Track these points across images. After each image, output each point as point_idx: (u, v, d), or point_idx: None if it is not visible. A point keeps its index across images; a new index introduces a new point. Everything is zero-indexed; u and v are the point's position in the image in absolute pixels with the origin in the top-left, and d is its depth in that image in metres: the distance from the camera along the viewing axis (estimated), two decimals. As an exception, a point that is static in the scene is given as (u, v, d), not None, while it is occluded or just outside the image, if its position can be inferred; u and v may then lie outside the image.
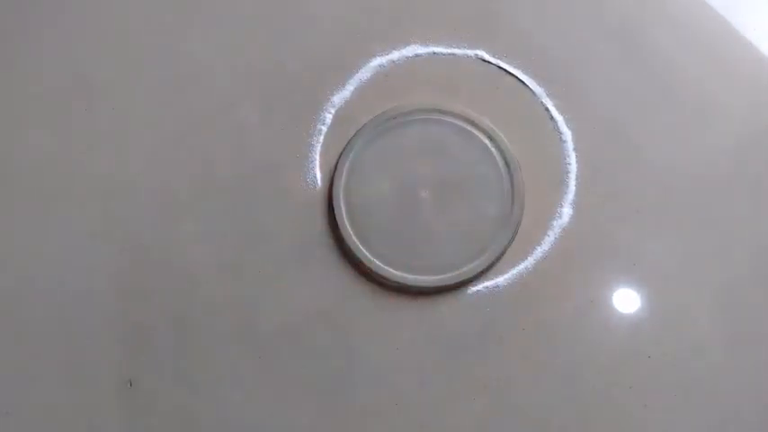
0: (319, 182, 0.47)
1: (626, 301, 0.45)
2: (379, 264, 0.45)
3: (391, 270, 0.45)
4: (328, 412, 0.44)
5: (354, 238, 0.45)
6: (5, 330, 0.46)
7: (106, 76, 0.50)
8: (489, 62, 0.49)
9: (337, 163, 0.47)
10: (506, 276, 0.45)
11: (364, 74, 0.49)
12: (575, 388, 0.44)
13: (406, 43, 0.49)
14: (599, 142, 0.47)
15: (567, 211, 0.46)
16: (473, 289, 0.45)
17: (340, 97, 0.49)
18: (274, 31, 0.51)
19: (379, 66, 0.49)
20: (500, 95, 0.48)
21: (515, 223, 0.45)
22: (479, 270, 0.45)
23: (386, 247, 0.45)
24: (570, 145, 0.47)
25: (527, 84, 0.48)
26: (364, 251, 0.45)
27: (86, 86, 0.50)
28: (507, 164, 0.46)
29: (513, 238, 0.45)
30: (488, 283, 0.45)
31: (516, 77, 0.49)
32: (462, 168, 0.47)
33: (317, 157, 0.48)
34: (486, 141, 0.47)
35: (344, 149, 0.47)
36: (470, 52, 0.49)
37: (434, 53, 0.49)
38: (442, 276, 0.45)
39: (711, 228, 0.46)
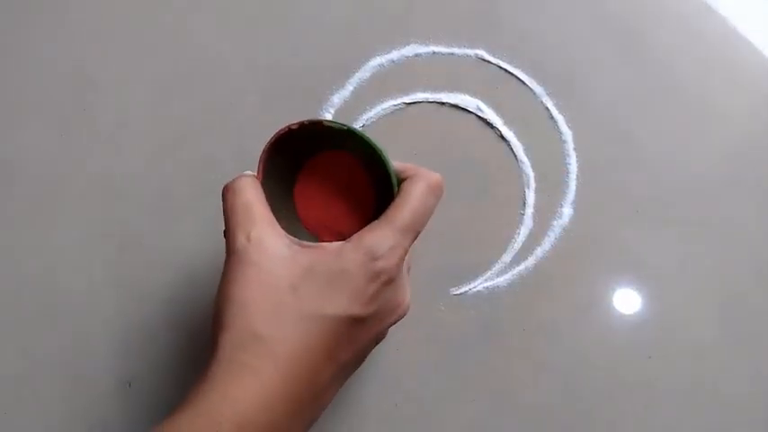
0: (319, 182, 0.47)
1: (626, 301, 0.45)
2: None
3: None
4: (328, 412, 0.44)
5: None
6: (5, 330, 0.46)
7: (106, 76, 0.50)
8: (489, 62, 0.49)
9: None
10: (506, 276, 0.45)
11: (364, 74, 0.49)
12: (575, 388, 0.44)
13: (406, 43, 0.50)
14: (599, 142, 0.47)
15: (567, 211, 0.46)
16: (473, 289, 0.45)
17: (340, 97, 0.49)
18: (275, 30, 0.51)
19: (379, 66, 0.49)
20: (500, 95, 0.48)
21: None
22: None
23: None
24: (570, 145, 0.47)
25: (527, 83, 0.48)
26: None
27: (86, 86, 0.50)
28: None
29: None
30: (488, 284, 0.45)
31: (516, 77, 0.49)
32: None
33: (317, 156, 0.48)
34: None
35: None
36: (470, 52, 0.49)
37: (434, 53, 0.49)
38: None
39: (711, 228, 0.46)
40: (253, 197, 0.32)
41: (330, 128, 0.33)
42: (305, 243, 0.32)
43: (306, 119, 0.33)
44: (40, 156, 0.49)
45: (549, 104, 0.48)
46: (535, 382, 0.44)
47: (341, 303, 0.30)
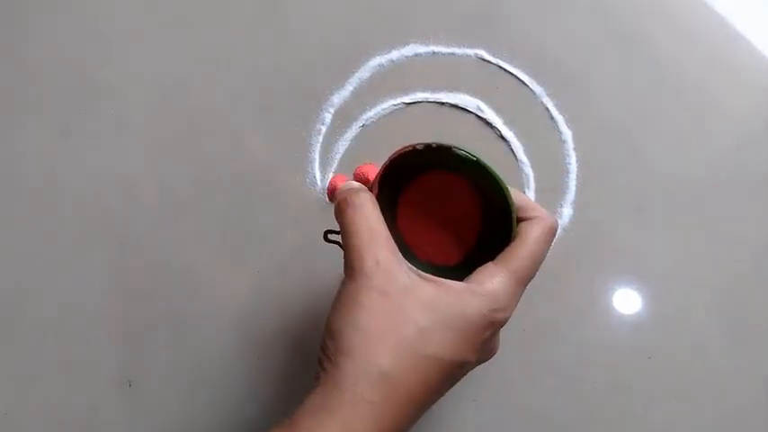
0: (319, 182, 0.47)
1: (626, 301, 0.45)
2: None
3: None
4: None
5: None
6: (6, 330, 0.46)
7: (106, 76, 0.50)
8: (489, 62, 0.49)
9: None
10: (506, 276, 0.45)
11: (364, 73, 0.49)
12: (575, 388, 0.44)
13: (406, 43, 0.50)
14: (599, 142, 0.47)
15: (567, 212, 0.46)
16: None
17: (340, 97, 0.49)
18: (274, 31, 0.51)
19: (379, 65, 0.49)
20: (500, 95, 0.48)
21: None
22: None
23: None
24: (570, 145, 0.47)
25: (527, 83, 0.48)
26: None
27: (86, 86, 0.50)
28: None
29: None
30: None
31: (516, 77, 0.49)
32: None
33: (317, 157, 0.48)
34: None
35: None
36: (470, 52, 0.49)
37: (434, 53, 0.49)
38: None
39: (711, 228, 0.46)
40: (375, 216, 0.32)
41: (456, 155, 0.32)
42: (423, 274, 0.31)
43: (433, 141, 0.32)
44: (40, 156, 0.49)
45: (549, 104, 0.48)
46: (535, 382, 0.44)
47: (458, 349, 0.30)
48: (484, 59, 0.49)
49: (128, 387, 0.45)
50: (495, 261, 0.32)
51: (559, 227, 0.46)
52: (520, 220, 0.33)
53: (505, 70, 0.48)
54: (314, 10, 0.51)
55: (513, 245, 0.32)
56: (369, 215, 0.32)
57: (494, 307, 0.30)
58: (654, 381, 0.43)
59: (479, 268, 0.32)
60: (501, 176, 0.32)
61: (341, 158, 0.47)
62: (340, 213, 0.32)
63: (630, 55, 0.49)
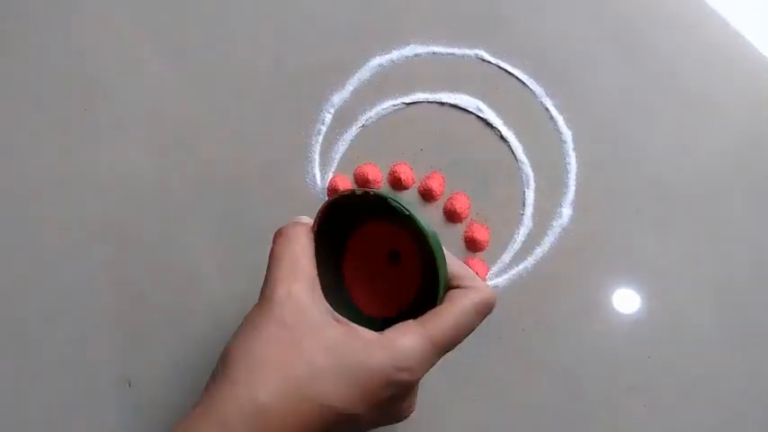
0: (319, 182, 0.47)
1: (626, 301, 0.45)
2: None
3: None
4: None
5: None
6: (6, 330, 0.46)
7: (106, 76, 0.50)
8: (489, 62, 0.49)
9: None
10: (506, 276, 0.45)
11: (364, 73, 0.49)
12: (575, 388, 0.44)
13: (406, 43, 0.50)
14: (599, 142, 0.47)
15: (566, 212, 0.46)
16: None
17: (340, 97, 0.49)
18: (274, 31, 0.51)
19: (379, 66, 0.49)
20: (500, 95, 0.48)
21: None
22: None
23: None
24: (570, 145, 0.47)
25: (527, 84, 0.48)
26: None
27: (86, 86, 0.50)
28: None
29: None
30: (488, 284, 0.45)
31: (516, 77, 0.49)
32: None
33: (317, 157, 0.48)
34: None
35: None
36: (470, 52, 0.49)
37: (434, 53, 0.49)
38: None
39: (711, 228, 0.46)
40: (303, 249, 0.31)
41: (392, 207, 0.31)
42: (337, 316, 0.30)
43: (374, 190, 0.32)
44: (41, 156, 0.49)
45: (549, 104, 0.48)
46: (535, 382, 0.44)
47: (349, 399, 0.29)
48: (484, 59, 0.49)
49: (127, 387, 0.45)
50: (416, 321, 0.31)
51: (559, 227, 0.46)
52: (456, 287, 0.32)
53: (505, 70, 0.48)
54: (314, 10, 0.51)
55: (438, 309, 0.31)
56: (297, 248, 0.31)
57: (399, 365, 0.29)
58: (654, 381, 0.43)
59: (397, 324, 0.31)
60: (439, 238, 0.31)
61: (341, 159, 0.47)
62: (273, 242, 0.32)
63: (630, 55, 0.49)
